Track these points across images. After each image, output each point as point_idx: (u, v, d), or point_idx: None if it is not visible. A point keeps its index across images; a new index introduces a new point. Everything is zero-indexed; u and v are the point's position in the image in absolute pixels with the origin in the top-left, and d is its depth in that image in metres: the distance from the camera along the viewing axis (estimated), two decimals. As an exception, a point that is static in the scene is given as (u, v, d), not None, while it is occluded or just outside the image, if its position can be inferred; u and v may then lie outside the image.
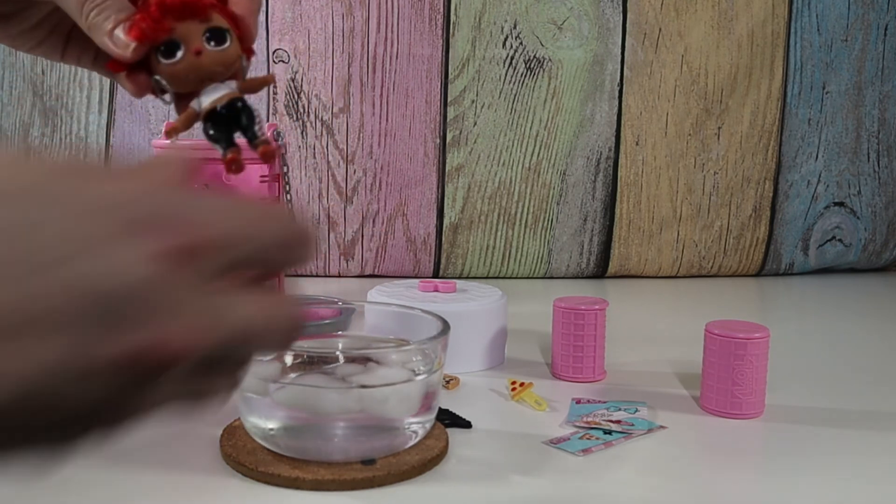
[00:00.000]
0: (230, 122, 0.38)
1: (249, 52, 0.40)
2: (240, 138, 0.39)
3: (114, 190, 0.22)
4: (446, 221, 1.08)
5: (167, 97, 0.39)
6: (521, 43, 1.06)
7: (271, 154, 0.39)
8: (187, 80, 0.37)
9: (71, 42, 0.44)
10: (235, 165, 0.38)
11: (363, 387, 0.44)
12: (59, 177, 0.22)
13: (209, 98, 0.38)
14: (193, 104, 0.38)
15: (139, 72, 0.38)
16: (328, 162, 1.05)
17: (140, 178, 0.23)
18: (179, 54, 0.37)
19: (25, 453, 0.21)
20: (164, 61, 0.37)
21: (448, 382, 0.60)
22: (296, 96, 1.04)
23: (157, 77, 0.38)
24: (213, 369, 0.23)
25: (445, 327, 0.48)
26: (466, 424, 0.52)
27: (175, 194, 0.23)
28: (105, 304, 0.20)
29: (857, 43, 1.13)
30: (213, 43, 0.37)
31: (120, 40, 0.37)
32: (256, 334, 0.23)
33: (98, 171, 0.23)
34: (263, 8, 1.03)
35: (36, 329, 0.19)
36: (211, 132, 0.39)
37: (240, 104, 0.38)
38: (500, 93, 1.07)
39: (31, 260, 0.20)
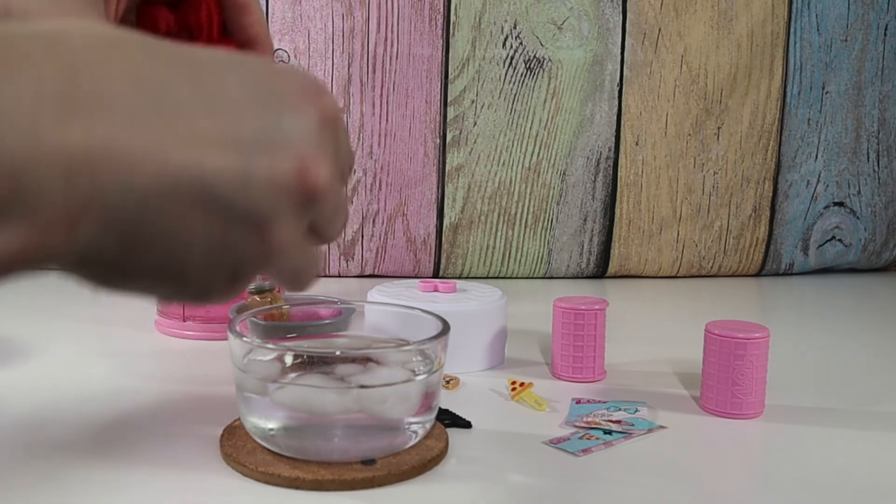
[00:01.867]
0: None
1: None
2: None
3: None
4: (446, 221, 1.08)
5: None
6: (521, 43, 1.06)
7: None
8: None
9: None
10: None
11: (362, 387, 0.44)
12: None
13: None
14: None
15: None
16: (328, 162, 1.05)
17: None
18: None
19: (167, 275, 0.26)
20: None
21: (448, 382, 0.60)
22: (296, 96, 1.04)
23: None
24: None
25: (445, 327, 0.48)
26: (466, 424, 0.52)
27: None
28: (275, 134, 0.26)
29: (857, 43, 1.13)
30: None
31: None
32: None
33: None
34: (263, 8, 1.03)
35: (220, 142, 0.25)
36: None
37: None
38: (500, 93, 1.07)
39: (232, 93, 0.26)
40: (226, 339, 0.47)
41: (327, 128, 0.28)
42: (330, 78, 1.04)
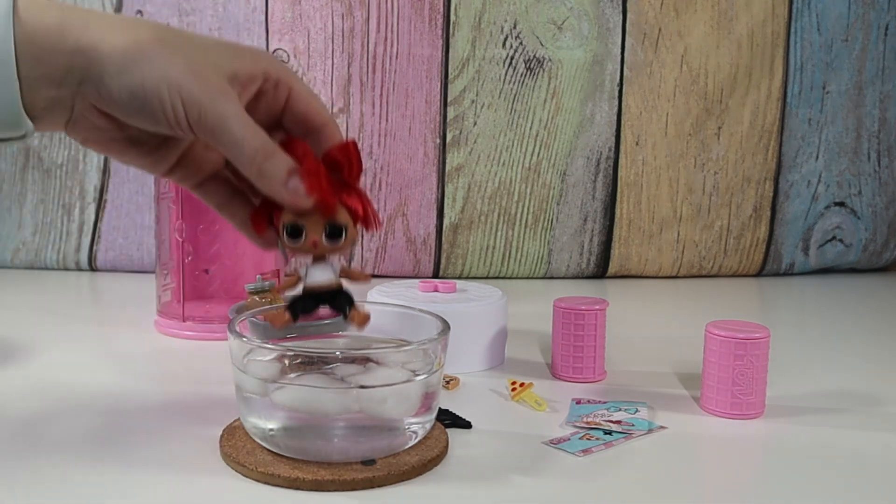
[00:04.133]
0: (324, 302, 0.44)
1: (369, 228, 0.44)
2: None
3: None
4: (446, 221, 1.08)
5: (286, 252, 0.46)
6: (521, 43, 1.06)
7: (363, 320, 0.44)
8: (302, 256, 0.43)
9: (181, 164, 0.44)
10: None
11: (362, 387, 0.44)
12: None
13: (314, 278, 0.43)
14: (301, 270, 0.44)
15: (268, 226, 0.43)
16: (328, 162, 1.05)
17: None
18: (300, 240, 0.41)
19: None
20: (286, 239, 0.42)
21: (448, 382, 0.60)
22: (296, 96, 1.04)
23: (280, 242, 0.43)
24: None
25: (445, 327, 0.48)
26: (466, 424, 0.52)
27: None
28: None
29: (858, 43, 1.13)
30: (329, 238, 0.41)
31: (300, 191, 0.40)
32: None
33: None
34: (263, 8, 1.03)
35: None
36: (305, 301, 0.44)
37: (339, 291, 0.44)
38: (500, 93, 1.07)
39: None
40: (226, 339, 0.47)
41: None
42: (330, 78, 1.04)
